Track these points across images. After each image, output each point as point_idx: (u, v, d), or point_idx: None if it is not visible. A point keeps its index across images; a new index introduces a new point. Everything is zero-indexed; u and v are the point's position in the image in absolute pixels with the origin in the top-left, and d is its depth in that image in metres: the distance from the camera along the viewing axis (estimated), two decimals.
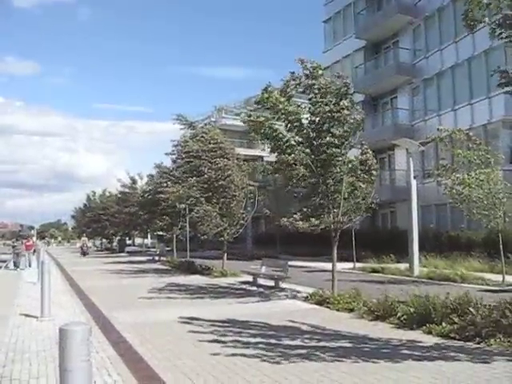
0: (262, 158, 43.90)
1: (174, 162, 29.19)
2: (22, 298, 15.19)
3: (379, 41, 37.26)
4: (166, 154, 29.24)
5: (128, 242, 60.95)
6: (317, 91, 13.05)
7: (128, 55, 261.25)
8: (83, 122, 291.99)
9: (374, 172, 13.67)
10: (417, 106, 33.86)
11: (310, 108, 13.39)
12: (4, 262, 36.62)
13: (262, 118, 13.44)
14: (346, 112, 12.89)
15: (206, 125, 30.06)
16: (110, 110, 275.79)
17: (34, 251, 33.34)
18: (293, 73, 13.24)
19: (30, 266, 29.23)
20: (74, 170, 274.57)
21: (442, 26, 31.74)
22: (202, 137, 24.03)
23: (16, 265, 28.45)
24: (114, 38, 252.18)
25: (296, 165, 13.23)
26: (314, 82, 13.07)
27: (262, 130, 13.55)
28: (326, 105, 12.91)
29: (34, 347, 8.54)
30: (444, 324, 9.13)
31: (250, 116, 14.00)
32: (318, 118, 13.16)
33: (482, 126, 28.05)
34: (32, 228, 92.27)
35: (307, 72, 13.17)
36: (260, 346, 8.47)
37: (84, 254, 47.14)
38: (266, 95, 13.18)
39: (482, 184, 17.19)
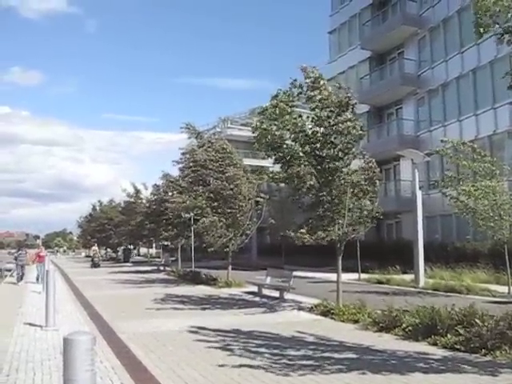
0: (266, 168, 43.90)
1: (181, 170, 29.15)
2: (26, 307, 15.20)
3: (384, 52, 37.32)
4: (174, 161, 29.21)
5: (133, 251, 60.75)
6: (318, 103, 13.04)
7: (134, 66, 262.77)
8: (89, 132, 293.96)
9: (377, 182, 13.65)
10: (422, 116, 33.82)
11: (312, 118, 13.38)
12: (9, 271, 36.61)
13: (274, 127, 13.35)
14: (349, 124, 12.89)
15: (213, 134, 30.09)
16: (116, 120, 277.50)
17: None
18: (295, 80, 13.21)
19: (38, 280, 23.33)
20: (79, 180, 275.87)
21: (447, 36, 31.75)
22: (209, 146, 24.05)
23: (18, 278, 24.59)
24: (120, 49, 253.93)
25: (305, 176, 13.20)
26: (315, 93, 13.05)
27: (266, 140, 13.50)
28: (329, 117, 12.91)
29: (39, 356, 8.52)
30: (449, 336, 9.08)
31: (262, 123, 13.85)
32: (321, 129, 13.15)
33: (487, 136, 28.00)
34: (37, 237, 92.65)
35: (309, 81, 13.16)
36: (265, 356, 8.46)
37: (95, 265, 41.76)
38: (274, 104, 13.17)
39: (487, 195, 17.14)
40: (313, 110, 13.27)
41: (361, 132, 13.25)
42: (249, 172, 23.76)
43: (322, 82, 13.15)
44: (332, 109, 12.98)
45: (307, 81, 13.18)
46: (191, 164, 25.07)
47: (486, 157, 17.81)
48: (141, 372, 7.56)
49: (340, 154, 13.03)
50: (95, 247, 47.90)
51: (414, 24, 34.04)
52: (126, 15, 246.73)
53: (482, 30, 8.33)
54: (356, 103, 13.49)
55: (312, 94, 13.11)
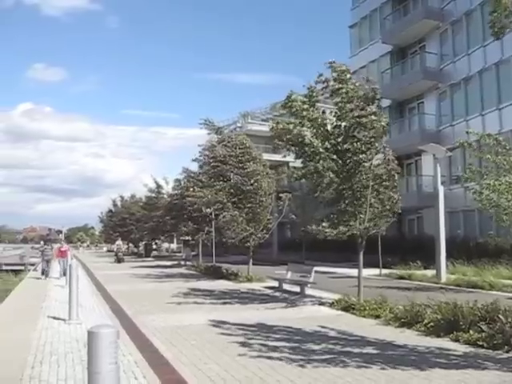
0: (287, 163, 43.80)
1: (200, 167, 29.20)
2: (50, 301, 15.35)
3: (406, 46, 37.01)
4: (193, 159, 29.26)
5: (154, 246, 61.03)
6: (344, 95, 12.95)
7: (155, 62, 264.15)
8: (110, 128, 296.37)
9: (395, 175, 13.56)
10: (444, 111, 33.48)
11: (335, 113, 13.33)
12: (33, 265, 37.04)
13: (291, 125, 13.34)
14: (373, 118, 12.80)
15: (233, 130, 30.03)
16: (138, 115, 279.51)
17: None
18: (321, 75, 13.14)
19: (65, 275, 21.64)
20: (101, 175, 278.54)
21: (470, 30, 31.39)
22: (229, 142, 24.06)
23: (44, 273, 24.03)
24: (141, 45, 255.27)
25: (324, 171, 13.17)
26: (341, 86, 12.99)
27: (287, 137, 13.50)
28: (352, 110, 12.82)
29: (62, 349, 8.61)
30: (472, 332, 9.02)
31: (277, 123, 13.91)
32: (344, 123, 13.10)
33: (510, 131, 27.59)
34: (60, 232, 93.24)
35: (335, 75, 13.09)
36: (285, 350, 8.48)
37: (119, 260, 40.58)
38: (289, 103, 13.19)
39: (511, 190, 16.89)
40: (337, 104, 13.18)
41: (384, 126, 13.15)
42: (268, 167, 23.73)
43: (348, 76, 13.10)
44: (357, 102, 12.89)
45: (334, 74, 13.10)
46: (211, 160, 25.11)
47: (511, 150, 17.55)
48: (163, 366, 7.60)
49: (363, 147, 12.94)
50: (119, 241, 47.40)
51: (435, 17, 33.68)
52: (147, 11, 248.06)
53: (496, 30, 8.23)
54: (381, 97, 13.41)
55: (338, 86, 13.01)
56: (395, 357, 8.07)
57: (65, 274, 21.88)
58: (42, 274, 24.17)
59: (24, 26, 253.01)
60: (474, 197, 14.01)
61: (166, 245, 67.29)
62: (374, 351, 8.53)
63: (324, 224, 13.27)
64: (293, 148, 13.88)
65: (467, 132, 17.72)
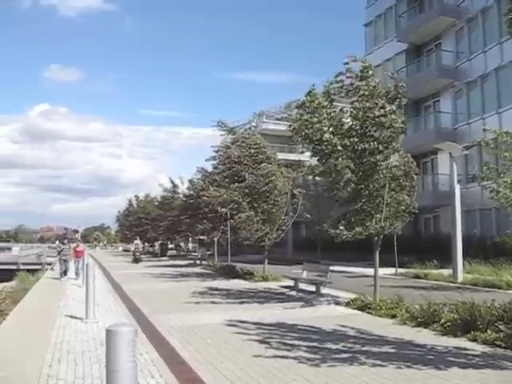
0: (302, 162, 43.76)
1: (215, 168, 29.22)
2: (67, 300, 15.45)
3: (421, 44, 36.73)
4: (207, 160, 29.30)
5: (171, 245, 61.10)
6: (367, 93, 12.75)
7: (171, 61, 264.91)
8: (126, 128, 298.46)
9: (414, 176, 13.48)
10: (460, 109, 33.21)
11: (351, 112, 13.24)
12: (50, 264, 37.32)
13: (315, 119, 13.15)
14: (392, 117, 12.65)
15: (247, 129, 30.04)
16: (153, 115, 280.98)
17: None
18: (340, 73, 12.95)
19: (77, 275, 22.61)
20: (117, 175, 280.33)
21: (486, 27, 31.10)
22: (243, 142, 24.06)
23: (63, 273, 23.30)
24: (157, 45, 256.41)
25: (343, 169, 13.09)
26: (362, 82, 12.82)
27: (306, 132, 13.39)
28: (371, 109, 12.65)
29: (79, 348, 8.66)
30: (489, 331, 8.95)
31: (301, 115, 13.71)
32: (360, 122, 12.99)
33: None
34: (76, 232, 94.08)
35: (356, 72, 12.92)
36: (302, 349, 8.47)
37: (136, 260, 39.35)
38: (309, 99, 13.08)
39: None
40: (355, 102, 13.02)
41: (402, 125, 13.03)
42: (283, 166, 23.68)
43: (370, 72, 12.94)
44: (376, 101, 12.73)
45: (354, 71, 12.94)
46: (225, 161, 25.12)
47: None
48: (179, 364, 7.62)
49: (380, 147, 12.83)
50: (138, 241, 45.46)
51: (451, 15, 33.37)
52: (163, 10, 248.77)
53: None
54: (405, 96, 13.27)
55: (359, 83, 12.85)
56: (412, 356, 8.02)
57: (77, 275, 22.50)
58: (64, 274, 23.17)
59: (41, 26, 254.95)
60: (491, 195, 13.93)
61: (182, 244, 67.44)
62: (391, 350, 8.49)
63: (341, 227, 13.17)
64: (310, 145, 13.79)
65: (484, 130, 17.62)
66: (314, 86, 13.34)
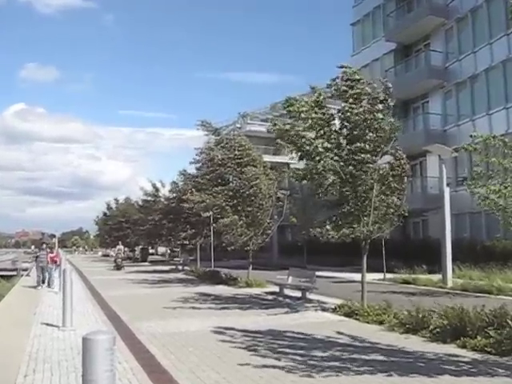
0: (288, 164, 43.52)
1: (198, 170, 28.76)
2: (43, 307, 15.14)
3: (410, 43, 36.51)
4: (191, 162, 28.74)
5: (151, 251, 60.25)
6: (355, 95, 12.72)
7: (152, 61, 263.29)
8: (106, 129, 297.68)
9: (405, 179, 13.30)
10: (449, 110, 33.06)
11: (341, 114, 13.09)
12: (25, 270, 36.63)
13: (287, 126, 13.17)
14: (379, 115, 12.55)
15: (231, 131, 29.69)
16: (134, 116, 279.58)
17: (58, 265, 24.44)
18: (334, 79, 13.02)
19: (49, 285, 21.39)
20: (96, 177, 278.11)
21: (476, 27, 30.97)
22: (227, 143, 23.65)
23: (40, 281, 21.39)
24: (137, 44, 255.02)
25: (325, 172, 12.87)
26: (352, 84, 12.79)
27: (287, 138, 13.29)
28: (358, 115, 12.59)
29: (56, 357, 8.43)
30: (479, 338, 8.81)
31: (275, 125, 13.72)
32: (350, 125, 12.88)
33: None
34: (53, 236, 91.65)
35: (346, 77, 12.92)
36: (288, 357, 8.27)
37: (118, 267, 36.85)
38: (288, 108, 12.99)
39: None
40: (344, 106, 12.97)
41: (392, 128, 12.93)
42: (268, 168, 23.32)
43: (357, 77, 12.90)
44: (365, 103, 12.68)
45: (344, 78, 12.95)
46: (209, 163, 24.72)
47: None
48: (160, 373, 7.47)
49: (367, 147, 12.69)
50: (120, 246, 42.83)
51: (440, 14, 33.19)
52: (143, 9, 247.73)
53: None
54: (392, 98, 13.18)
55: (347, 88, 12.83)
56: (402, 364, 7.86)
57: (43, 282, 21.28)
58: (42, 283, 21.38)
59: (17, 24, 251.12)
60: (479, 201, 13.79)
61: (162, 249, 66.39)
62: (380, 358, 8.32)
63: (327, 226, 13.02)
64: (295, 148, 13.60)
65: (471, 136, 17.40)
66: (288, 96, 13.27)
